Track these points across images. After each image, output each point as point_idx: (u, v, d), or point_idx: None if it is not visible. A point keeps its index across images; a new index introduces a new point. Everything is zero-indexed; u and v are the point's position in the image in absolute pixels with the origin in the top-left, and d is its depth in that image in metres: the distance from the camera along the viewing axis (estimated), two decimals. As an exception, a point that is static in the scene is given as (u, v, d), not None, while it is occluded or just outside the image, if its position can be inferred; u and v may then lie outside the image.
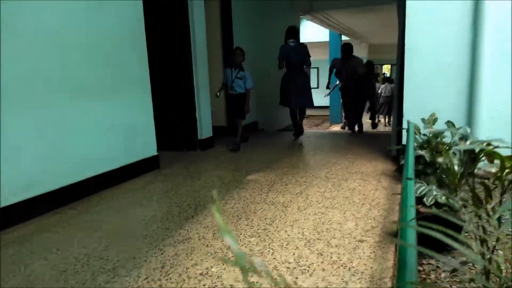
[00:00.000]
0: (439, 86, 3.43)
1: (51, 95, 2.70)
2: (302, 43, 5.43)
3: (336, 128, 11.39)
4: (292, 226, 2.30)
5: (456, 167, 1.02)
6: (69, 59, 2.84)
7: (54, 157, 2.74)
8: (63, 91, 2.79)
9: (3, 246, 2.15)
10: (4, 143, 2.37)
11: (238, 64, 4.77)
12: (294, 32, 5.36)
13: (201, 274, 1.77)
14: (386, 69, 22.19)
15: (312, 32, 12.71)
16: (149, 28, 3.82)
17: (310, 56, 5.39)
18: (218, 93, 4.89)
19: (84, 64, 2.98)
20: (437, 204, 1.87)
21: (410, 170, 1.80)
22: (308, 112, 6.46)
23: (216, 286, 1.66)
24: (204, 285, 1.68)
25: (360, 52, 13.53)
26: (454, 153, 1.64)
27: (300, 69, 5.33)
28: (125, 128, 3.43)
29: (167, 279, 1.74)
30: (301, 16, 9.30)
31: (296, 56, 5.25)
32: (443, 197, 1.88)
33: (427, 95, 3.44)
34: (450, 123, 2.96)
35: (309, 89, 5.53)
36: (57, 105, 2.75)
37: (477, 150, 0.95)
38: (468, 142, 0.98)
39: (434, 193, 1.92)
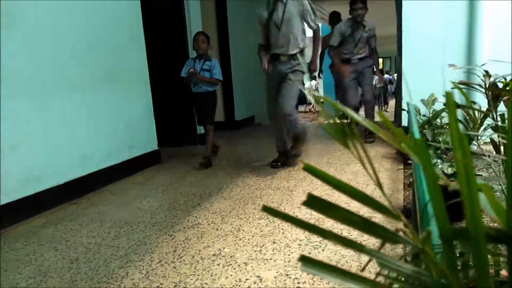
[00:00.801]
0: (437, 67, 3.46)
1: (49, 90, 2.68)
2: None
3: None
4: (299, 208, 2.31)
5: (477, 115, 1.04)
6: (65, 52, 2.82)
7: (55, 152, 2.72)
8: (60, 86, 2.77)
9: (10, 241, 2.14)
10: (4, 138, 2.36)
11: (204, 54, 3.66)
12: None
13: (214, 255, 1.78)
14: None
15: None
16: (147, 28, 3.82)
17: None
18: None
19: (81, 58, 2.96)
20: (444, 175, 1.89)
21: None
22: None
23: (230, 264, 1.67)
24: (218, 264, 1.68)
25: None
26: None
27: None
28: (125, 122, 3.42)
29: (180, 261, 1.74)
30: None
31: None
32: (449, 169, 1.90)
33: (426, 77, 3.47)
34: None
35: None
36: (55, 101, 2.73)
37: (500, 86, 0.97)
38: (491, 79, 0.99)
39: (440, 166, 1.95)
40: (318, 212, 0.36)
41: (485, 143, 1.85)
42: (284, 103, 3.18)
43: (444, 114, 2.98)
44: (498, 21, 3.29)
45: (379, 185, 0.37)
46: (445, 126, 3.02)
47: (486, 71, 1.07)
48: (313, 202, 0.35)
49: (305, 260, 0.33)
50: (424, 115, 3.09)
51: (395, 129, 0.37)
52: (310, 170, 0.36)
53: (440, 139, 2.85)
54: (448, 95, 0.29)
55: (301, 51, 3.28)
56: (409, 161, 2.92)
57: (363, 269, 0.46)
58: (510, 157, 0.27)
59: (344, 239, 0.35)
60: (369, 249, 0.34)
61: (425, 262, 0.32)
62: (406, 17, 3.51)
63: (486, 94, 1.01)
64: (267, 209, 0.36)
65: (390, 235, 0.34)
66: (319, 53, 3.69)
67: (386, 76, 11.43)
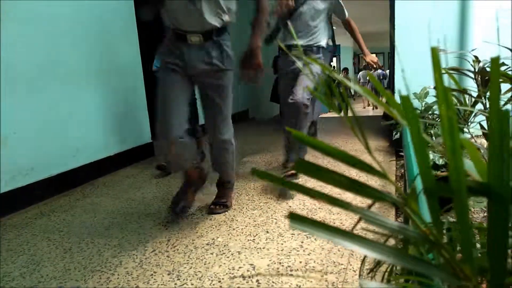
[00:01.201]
0: (429, 62, 3.49)
1: (42, 83, 2.67)
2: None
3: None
4: (292, 199, 2.33)
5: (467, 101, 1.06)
6: (59, 45, 2.80)
7: (48, 144, 2.71)
8: (54, 78, 2.76)
9: (3, 231, 2.14)
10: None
11: None
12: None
13: (207, 244, 1.79)
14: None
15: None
16: (141, 24, 3.81)
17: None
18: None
19: (75, 51, 2.94)
20: (435, 166, 1.92)
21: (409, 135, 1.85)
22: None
23: (224, 253, 1.69)
24: (212, 253, 1.70)
25: (345, 40, 13.56)
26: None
27: None
28: (118, 115, 3.41)
29: (174, 251, 1.75)
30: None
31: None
32: (441, 160, 1.93)
33: (418, 70, 3.49)
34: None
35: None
36: (48, 93, 2.72)
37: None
38: (481, 64, 1.01)
39: (431, 156, 1.97)
40: (309, 175, 0.37)
41: (477, 136, 1.88)
42: (215, 127, 2.07)
43: (436, 107, 3.01)
44: (490, 18, 3.32)
45: (367, 147, 0.38)
46: (436, 119, 3.05)
47: (476, 56, 1.09)
48: (303, 166, 0.36)
49: (294, 218, 0.34)
50: (416, 109, 3.12)
51: (384, 90, 0.38)
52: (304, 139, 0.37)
53: (432, 131, 2.88)
54: (433, 50, 0.31)
55: (224, 28, 2.16)
56: (401, 153, 2.95)
57: (353, 228, 0.48)
58: (493, 107, 0.28)
59: (330, 197, 0.36)
60: (356, 206, 0.35)
61: (410, 217, 0.33)
62: (399, 14, 3.53)
63: (475, 79, 1.02)
64: (256, 172, 0.37)
65: (377, 194, 0.35)
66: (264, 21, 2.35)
67: (379, 71, 11.49)
